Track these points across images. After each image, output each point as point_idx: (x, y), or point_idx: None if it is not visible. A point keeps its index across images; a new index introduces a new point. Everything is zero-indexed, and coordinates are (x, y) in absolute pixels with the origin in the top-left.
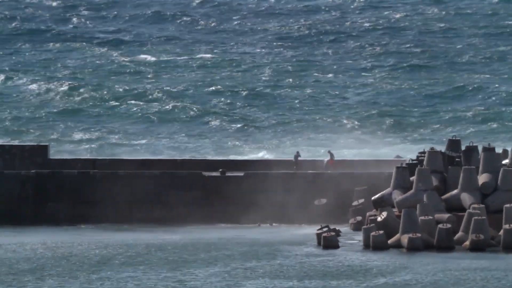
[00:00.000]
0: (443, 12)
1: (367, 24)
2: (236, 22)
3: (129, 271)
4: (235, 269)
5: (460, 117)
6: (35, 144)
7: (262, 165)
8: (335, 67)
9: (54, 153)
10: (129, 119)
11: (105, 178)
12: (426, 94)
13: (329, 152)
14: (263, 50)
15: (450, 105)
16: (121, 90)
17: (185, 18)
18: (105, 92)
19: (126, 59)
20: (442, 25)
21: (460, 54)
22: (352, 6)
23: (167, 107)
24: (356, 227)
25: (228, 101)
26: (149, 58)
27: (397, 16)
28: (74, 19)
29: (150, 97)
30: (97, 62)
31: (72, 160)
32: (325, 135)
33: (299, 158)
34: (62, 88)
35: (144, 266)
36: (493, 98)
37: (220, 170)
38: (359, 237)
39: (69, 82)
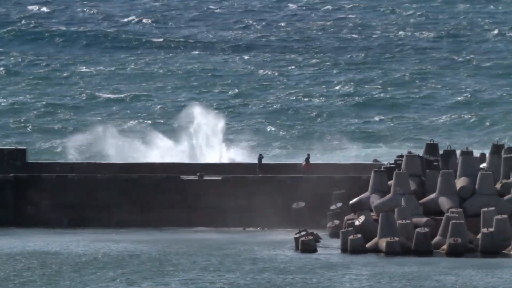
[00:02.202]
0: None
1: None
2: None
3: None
4: (207, 275)
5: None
6: (14, 147)
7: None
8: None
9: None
10: None
11: (83, 182)
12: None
13: (308, 155)
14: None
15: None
16: None
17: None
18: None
19: None
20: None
21: None
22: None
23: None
24: (334, 231)
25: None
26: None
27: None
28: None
29: None
30: None
31: (50, 164)
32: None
33: (262, 161)
34: None
35: (119, 274)
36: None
37: (198, 174)
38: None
39: None
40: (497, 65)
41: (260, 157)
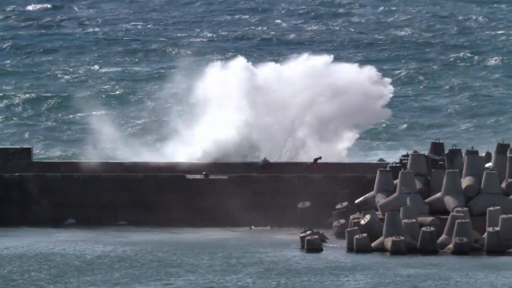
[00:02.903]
0: None
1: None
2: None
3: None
4: (212, 275)
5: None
6: (19, 147)
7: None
8: None
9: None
10: None
11: (88, 181)
12: None
13: (319, 157)
14: None
15: None
16: None
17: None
18: None
19: None
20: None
21: None
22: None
23: None
24: (340, 230)
25: None
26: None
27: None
28: None
29: None
30: None
31: (55, 164)
32: None
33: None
34: None
35: (125, 274)
36: None
37: (204, 173)
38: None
39: None
40: (505, 63)
41: (265, 161)
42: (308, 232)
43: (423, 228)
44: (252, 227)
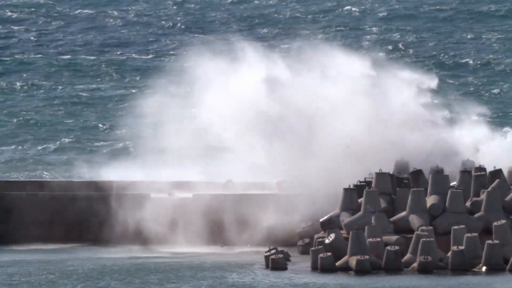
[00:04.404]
0: None
1: None
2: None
3: None
4: None
5: None
6: None
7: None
8: None
9: None
10: None
11: (54, 200)
12: None
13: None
14: None
15: None
16: None
17: None
18: None
19: None
20: None
21: None
22: None
23: None
24: (304, 249)
25: None
26: None
27: None
28: None
29: None
30: None
31: (20, 182)
32: None
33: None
34: None
35: None
36: None
37: (169, 192)
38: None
39: None
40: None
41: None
42: (272, 251)
43: (388, 247)
44: (222, 245)
